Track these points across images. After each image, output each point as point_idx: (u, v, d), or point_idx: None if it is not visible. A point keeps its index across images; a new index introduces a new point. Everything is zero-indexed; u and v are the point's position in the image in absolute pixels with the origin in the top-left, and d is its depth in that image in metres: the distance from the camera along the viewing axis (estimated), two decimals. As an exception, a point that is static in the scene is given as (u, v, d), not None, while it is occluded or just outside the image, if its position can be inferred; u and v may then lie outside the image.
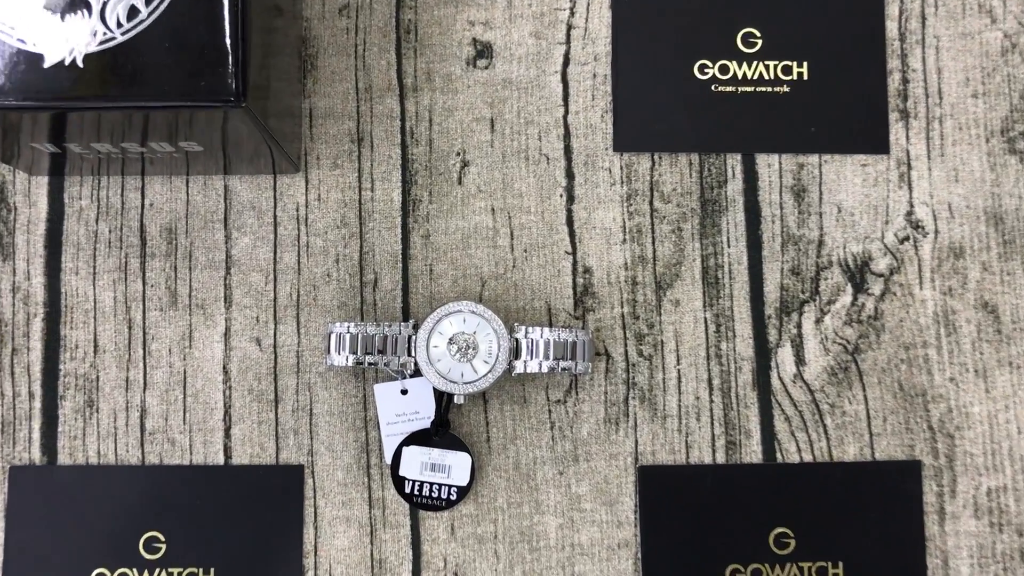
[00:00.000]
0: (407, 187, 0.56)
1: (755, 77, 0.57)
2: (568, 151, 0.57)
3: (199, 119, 0.45)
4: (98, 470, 0.54)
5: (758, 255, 0.56)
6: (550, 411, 0.55)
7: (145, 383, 0.55)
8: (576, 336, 0.51)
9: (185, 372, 0.54)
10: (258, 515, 0.53)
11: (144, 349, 0.55)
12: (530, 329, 0.51)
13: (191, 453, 0.54)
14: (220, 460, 0.54)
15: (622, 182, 0.57)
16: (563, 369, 0.51)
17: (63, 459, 0.54)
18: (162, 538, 0.53)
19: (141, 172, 0.56)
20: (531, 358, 0.51)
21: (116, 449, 0.54)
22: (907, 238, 0.56)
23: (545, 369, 0.51)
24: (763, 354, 0.56)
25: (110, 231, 0.56)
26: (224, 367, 0.54)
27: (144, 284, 0.55)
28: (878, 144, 0.57)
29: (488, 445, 0.55)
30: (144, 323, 0.55)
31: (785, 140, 0.57)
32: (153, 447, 0.54)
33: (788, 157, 0.57)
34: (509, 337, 0.51)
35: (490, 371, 0.51)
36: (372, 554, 0.53)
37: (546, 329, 0.51)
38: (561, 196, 0.56)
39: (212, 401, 0.54)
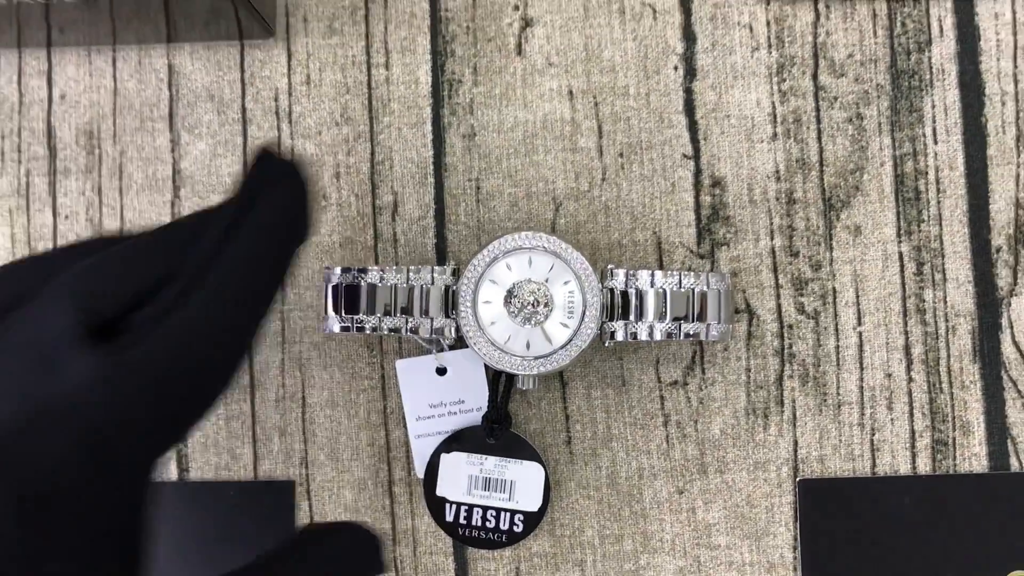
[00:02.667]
0: (440, 61, 0.38)
1: None
2: (686, -1, 0.37)
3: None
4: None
5: (981, 155, 0.38)
6: (663, 397, 0.37)
7: (59, 361, 0.37)
8: (706, 283, 0.34)
9: (117, 344, 0.36)
10: (227, 555, 0.37)
11: (57, 311, 0.37)
12: (633, 273, 0.35)
13: (129, 464, 0.36)
14: (171, 474, 0.38)
15: (770, 46, 0.37)
16: (686, 336, 0.34)
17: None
18: (88, 591, 0.36)
19: (46, 43, 0.38)
20: (637, 319, 0.34)
21: (20, 459, 0.37)
22: None
23: (658, 335, 0.35)
24: (989, 307, 0.37)
25: (2, 137, 0.39)
26: (173, 336, 0.36)
27: (55, 215, 0.39)
28: None
29: (569, 450, 0.37)
30: (56, 272, 0.37)
31: (1022, -25, 0.37)
32: (74, 455, 0.37)
33: (1027, 2, 0.37)
34: (600, 286, 0.34)
35: (572, 339, 0.35)
36: (398, 614, 0.37)
37: (658, 273, 0.34)
38: (676, 69, 0.37)
39: (157, 387, 0.36)
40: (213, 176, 0.38)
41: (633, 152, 0.38)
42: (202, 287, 0.22)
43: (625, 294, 0.34)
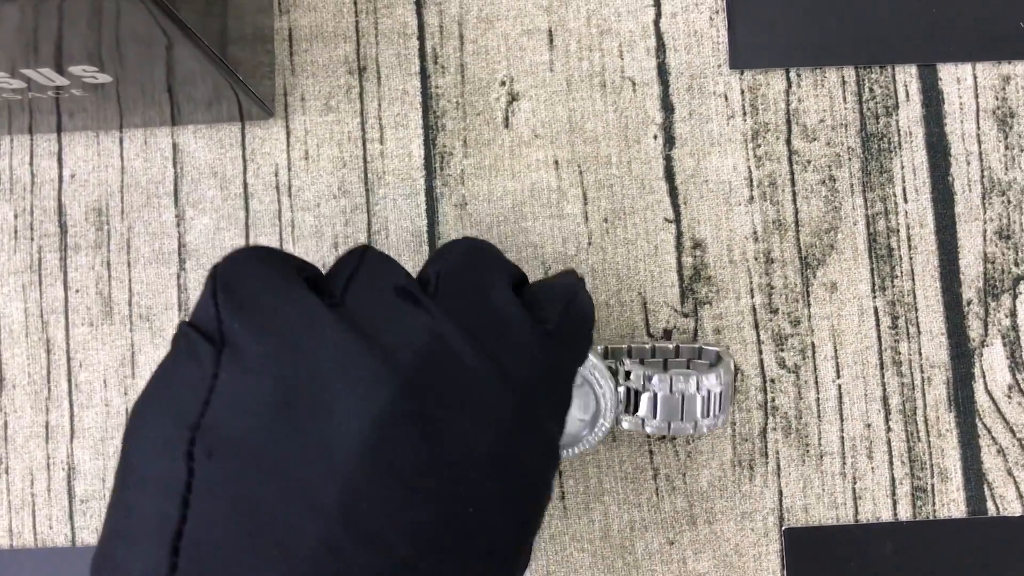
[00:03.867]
0: (431, 135, 0.39)
1: (939, -52, 0.39)
2: (663, 72, 0.39)
3: (101, 20, 0.28)
4: (8, 557, 0.38)
5: (949, 212, 0.39)
6: (652, 452, 0.38)
7: (72, 430, 0.39)
8: (720, 379, 0.33)
9: (127, 413, 0.38)
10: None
11: (70, 382, 0.39)
12: (648, 376, 0.33)
13: (140, 528, 0.38)
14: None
15: (744, 113, 0.39)
16: (707, 428, 0.34)
17: (-40, 543, 0.39)
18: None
19: (57, 128, 0.40)
20: (652, 415, 0.33)
21: (35, 526, 0.39)
22: None
23: (690, 429, 0.34)
24: (962, 358, 0.38)
25: (15, 215, 0.40)
26: (181, 404, 0.38)
27: (66, 289, 0.40)
28: (1121, 41, 0.39)
29: (563, 505, 0.38)
30: (68, 344, 0.40)
31: (981, 41, 0.39)
32: (87, 521, 0.39)
33: (987, 67, 0.39)
34: (614, 386, 0.33)
35: (589, 434, 0.34)
36: None
37: (674, 376, 0.33)
38: (655, 138, 0.39)
39: (166, 453, 0.38)
40: (217, 249, 0.40)
41: (617, 217, 0.39)
42: (555, 324, 0.30)
43: (638, 393, 0.34)
